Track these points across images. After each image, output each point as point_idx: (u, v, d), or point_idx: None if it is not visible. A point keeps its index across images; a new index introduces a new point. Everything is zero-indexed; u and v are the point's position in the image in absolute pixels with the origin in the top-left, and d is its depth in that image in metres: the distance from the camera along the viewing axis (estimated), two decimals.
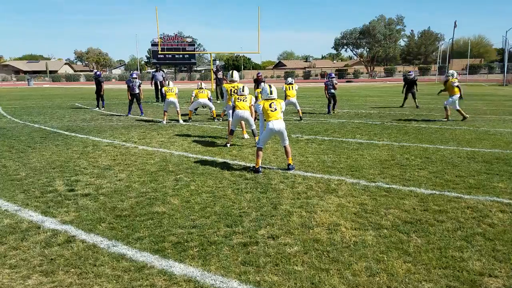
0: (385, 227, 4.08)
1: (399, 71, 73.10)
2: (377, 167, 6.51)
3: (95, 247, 3.68)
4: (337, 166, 6.64)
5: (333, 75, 14.97)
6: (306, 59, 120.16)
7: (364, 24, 77.58)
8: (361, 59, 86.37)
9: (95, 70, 21.33)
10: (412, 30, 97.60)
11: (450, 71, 12.53)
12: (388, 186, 5.48)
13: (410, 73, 17.33)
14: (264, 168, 6.47)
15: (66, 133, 10.34)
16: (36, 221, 4.31)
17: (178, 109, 12.44)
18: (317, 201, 4.90)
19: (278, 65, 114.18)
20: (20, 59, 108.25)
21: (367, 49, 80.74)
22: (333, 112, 14.50)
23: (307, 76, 73.93)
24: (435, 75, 54.33)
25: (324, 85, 14.62)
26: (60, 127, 11.48)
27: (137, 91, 14.17)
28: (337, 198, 5.02)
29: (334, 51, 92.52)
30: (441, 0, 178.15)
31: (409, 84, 16.80)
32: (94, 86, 17.65)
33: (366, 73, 77.16)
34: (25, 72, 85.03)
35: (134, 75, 14.44)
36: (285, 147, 6.50)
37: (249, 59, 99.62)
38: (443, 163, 6.73)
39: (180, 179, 5.91)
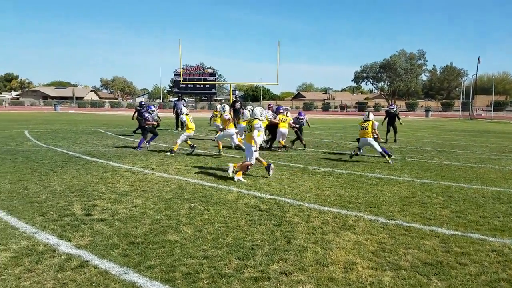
0: (404, 268, 3.92)
1: (421, 106, 72.46)
2: (397, 204, 6.34)
3: (107, 273, 3.66)
4: (355, 201, 6.50)
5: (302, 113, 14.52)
6: (325, 91, 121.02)
7: (384, 58, 78.12)
8: (382, 93, 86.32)
9: (141, 101, 21.63)
10: (434, 65, 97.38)
11: (226, 107, 12.66)
12: (408, 224, 5.31)
13: (391, 106, 17.35)
14: (279, 200, 6.40)
15: (87, 158, 10.54)
16: (52, 244, 4.34)
17: (188, 140, 12.30)
18: (333, 237, 4.78)
19: (297, 96, 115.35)
20: (48, 85, 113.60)
21: (388, 83, 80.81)
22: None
23: (326, 108, 74.00)
24: (459, 110, 53.56)
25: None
26: (82, 152, 11.72)
27: (150, 120, 14.43)
28: (354, 235, 4.89)
29: (354, 84, 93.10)
30: (464, 36, 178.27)
31: (391, 118, 16.66)
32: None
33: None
34: (53, 98, 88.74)
35: (153, 108, 14.98)
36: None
37: (268, 90, 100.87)
38: (467, 203, 6.51)
39: (194, 208, 5.89)
